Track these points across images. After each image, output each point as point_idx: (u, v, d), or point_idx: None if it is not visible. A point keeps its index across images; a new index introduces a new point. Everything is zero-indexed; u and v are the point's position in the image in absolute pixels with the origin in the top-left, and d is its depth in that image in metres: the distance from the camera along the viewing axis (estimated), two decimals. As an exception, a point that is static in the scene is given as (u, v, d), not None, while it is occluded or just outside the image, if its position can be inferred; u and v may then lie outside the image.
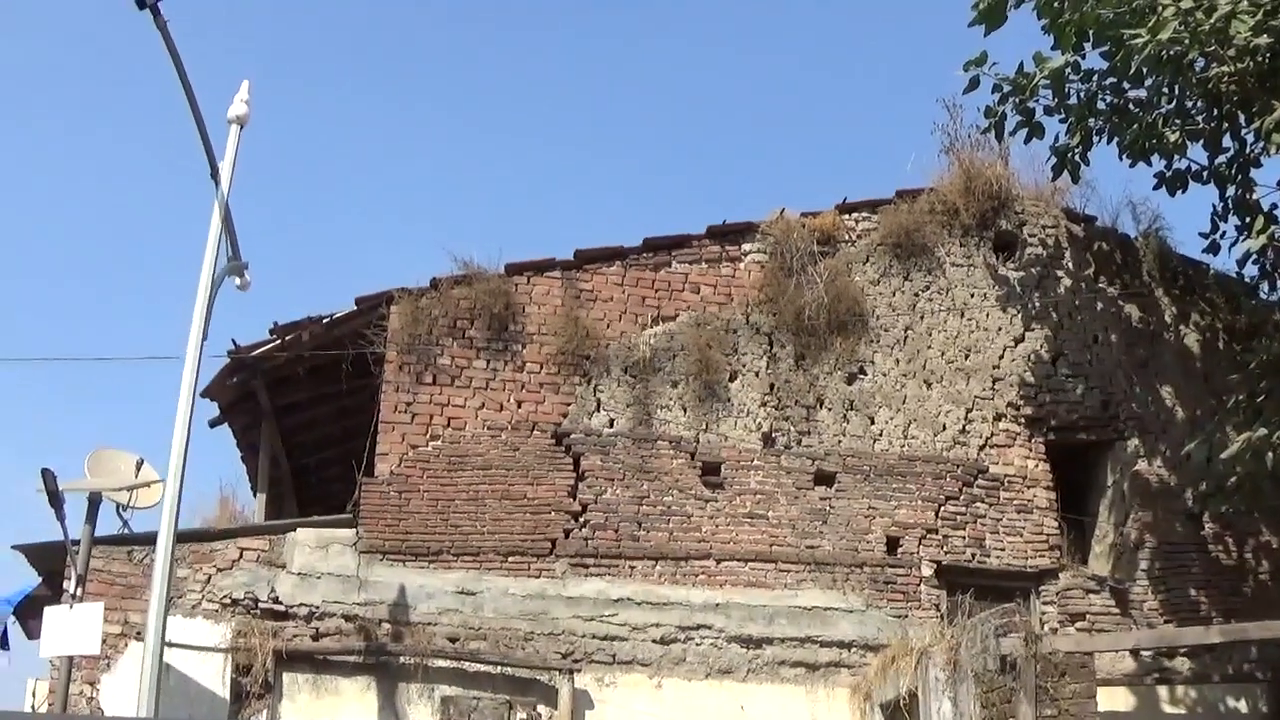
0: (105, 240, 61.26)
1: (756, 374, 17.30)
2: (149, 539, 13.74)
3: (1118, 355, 18.45)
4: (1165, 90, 16.46)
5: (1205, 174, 17.26)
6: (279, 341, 16.73)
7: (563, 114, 63.13)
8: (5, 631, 16.36)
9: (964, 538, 17.06)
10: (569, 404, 16.71)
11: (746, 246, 17.96)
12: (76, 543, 14.12)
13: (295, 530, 15.65)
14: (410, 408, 16.34)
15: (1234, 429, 16.26)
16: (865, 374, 17.64)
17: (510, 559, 15.85)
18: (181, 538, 13.57)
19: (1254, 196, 17.00)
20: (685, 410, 16.95)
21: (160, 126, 59.40)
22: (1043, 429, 17.88)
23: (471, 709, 14.91)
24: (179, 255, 59.13)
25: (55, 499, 13.89)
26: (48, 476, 13.81)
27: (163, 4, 11.85)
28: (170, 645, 12.86)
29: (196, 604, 14.93)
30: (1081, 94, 16.80)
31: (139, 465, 14.85)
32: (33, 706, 21.67)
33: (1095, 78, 16.58)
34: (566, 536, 16.11)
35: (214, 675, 14.55)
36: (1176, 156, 17.04)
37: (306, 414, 19.27)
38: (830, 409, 17.34)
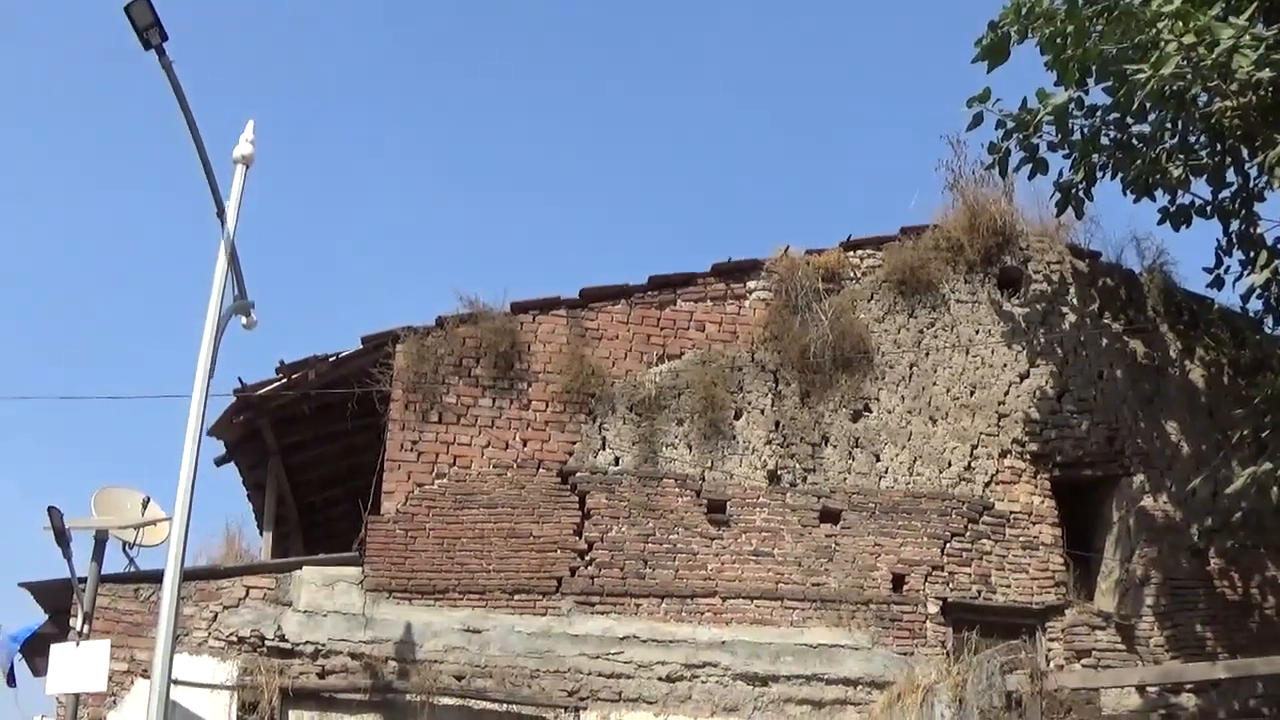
0: (113, 279, 61.61)
1: (762, 411, 17.44)
2: (155, 577, 13.74)
3: (1123, 391, 18.56)
4: (1168, 125, 16.59)
5: (1209, 209, 17.37)
6: (285, 380, 16.86)
7: (568, 152, 63.59)
8: (12, 669, 16.49)
9: (970, 574, 17.15)
10: (574, 442, 16.82)
11: (751, 284, 18.12)
12: (83, 580, 14.30)
13: (301, 568, 15.74)
14: (416, 446, 16.45)
15: (1239, 464, 16.40)
16: (870, 411, 17.77)
17: (516, 597, 15.92)
18: (188, 575, 13.57)
19: (1258, 231, 17.08)
20: (690, 448, 17.08)
21: (167, 166, 59.71)
22: (1048, 465, 17.97)
23: (478, 747, 15.02)
24: (186, 295, 59.27)
25: (62, 537, 14.04)
26: (54, 514, 13.97)
27: (168, 44, 12.12)
28: (176, 683, 13.01)
29: (202, 642, 14.99)
30: (1085, 129, 16.95)
31: (145, 503, 15.03)
32: (39, 745, 21.78)
33: (1098, 113, 16.75)
34: (572, 574, 16.19)
35: (220, 713, 14.61)
36: (1180, 191, 17.12)
37: (312, 452, 19.40)
38: (835, 446, 17.47)
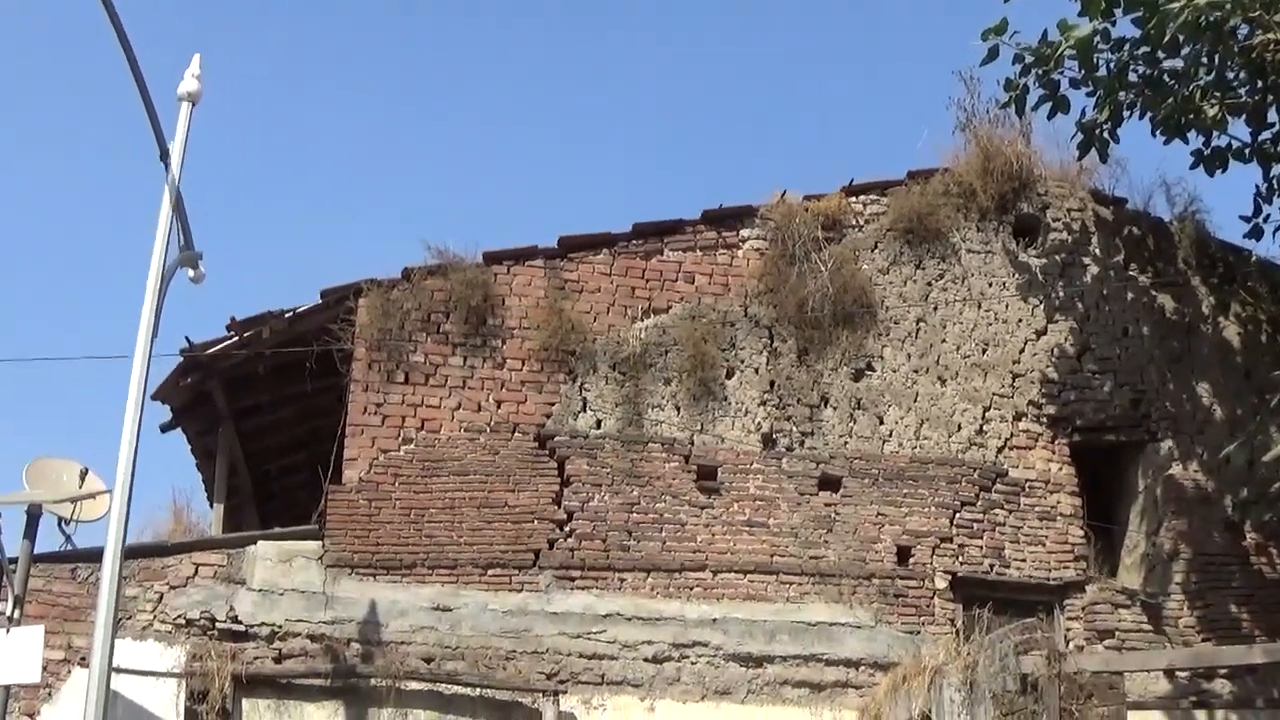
0: (44, 230, 60.82)
1: (756, 370, 17.32)
2: (94, 555, 13.61)
3: (1150, 349, 18.46)
4: (1204, 60, 16.39)
5: (1247, 151, 17.24)
6: (237, 339, 16.70)
7: (546, 90, 62.91)
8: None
9: (981, 547, 17.06)
10: (553, 404, 16.73)
11: (745, 232, 17.99)
12: (14, 561, 14.06)
13: (256, 543, 15.65)
14: (380, 409, 16.35)
15: (1278, 430, 16.30)
16: (873, 370, 17.65)
17: (490, 572, 15.86)
18: (130, 553, 13.59)
19: (1302, 176, 17.00)
20: (679, 410, 16.98)
21: (104, 102, 58.96)
22: (1067, 429, 17.86)
23: (448, 735, 14.94)
24: (127, 246, 58.95)
25: (-10, 513, 13.88)
26: (-19, 488, 13.81)
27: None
28: (118, 671, 12.83)
29: (147, 625, 14.89)
30: (1111, 65, 16.75)
31: (83, 475, 14.80)
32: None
33: (1126, 47, 16.50)
34: (551, 547, 16.11)
35: (166, 703, 14.51)
36: (1216, 132, 17.02)
37: (268, 417, 19.27)
38: (835, 408, 17.36)
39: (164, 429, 18.15)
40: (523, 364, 16.82)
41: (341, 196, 61.18)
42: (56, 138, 56.77)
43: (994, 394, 17.79)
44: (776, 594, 16.38)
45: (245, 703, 14.75)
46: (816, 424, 17.24)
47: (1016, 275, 18.44)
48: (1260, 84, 16.48)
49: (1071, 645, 16.51)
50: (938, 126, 24.56)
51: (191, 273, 13.61)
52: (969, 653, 14.24)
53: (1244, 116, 16.72)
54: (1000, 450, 17.57)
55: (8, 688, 13.51)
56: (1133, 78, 16.76)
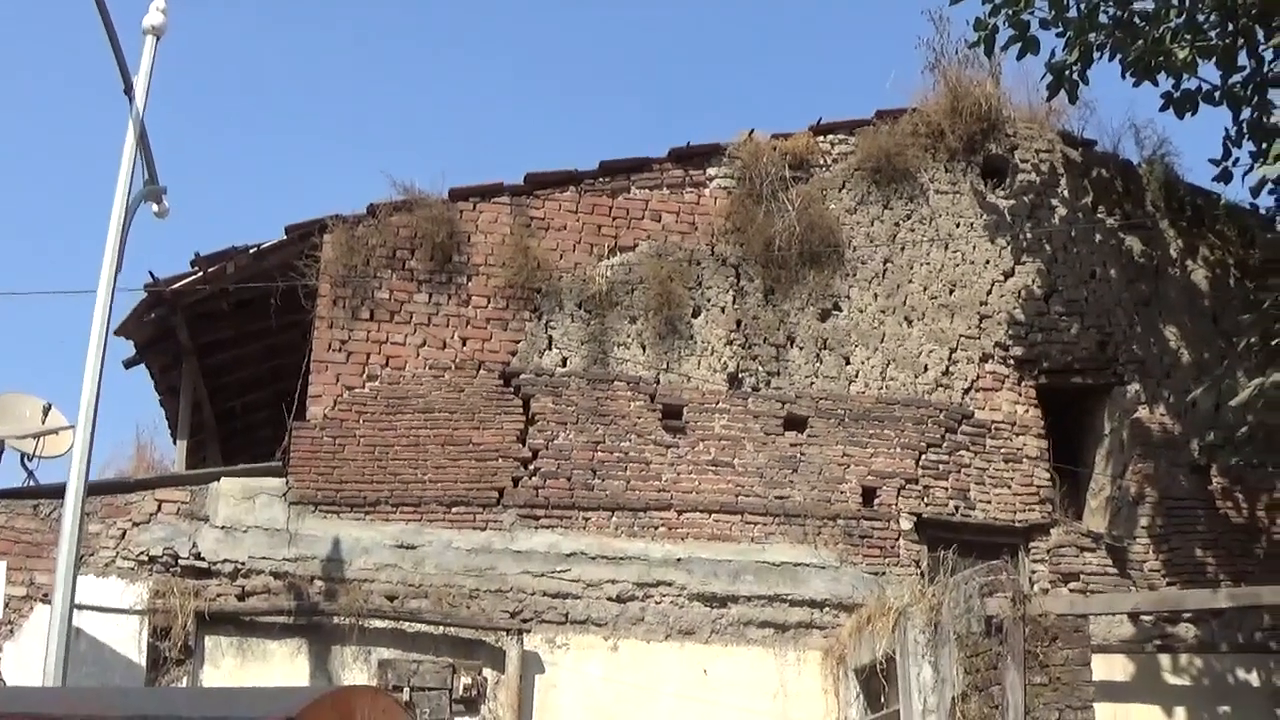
0: (6, 162, 60.51)
1: (722, 309, 17.38)
2: (57, 491, 13.58)
3: (1117, 292, 18.53)
4: (1174, 2, 16.32)
5: (1217, 94, 17.10)
6: (201, 274, 16.66)
7: (512, 25, 62.50)
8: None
9: (947, 489, 17.17)
10: (518, 341, 16.77)
11: (712, 171, 18.01)
12: (-24, 495, 14.16)
13: (219, 480, 15.68)
14: (345, 346, 16.39)
15: (1245, 374, 16.35)
16: (840, 310, 17.71)
17: (454, 510, 15.94)
18: (93, 490, 13.60)
19: (1271, 119, 16.84)
20: (644, 348, 17.04)
21: (68, 35, 58.52)
22: (1034, 371, 17.94)
23: (411, 673, 14.98)
24: (91, 180, 58.42)
25: (-48, 448, 13.93)
26: (-56, 424, 13.84)
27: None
28: (80, 608, 12.97)
29: (110, 562, 14.91)
30: (1081, 6, 16.69)
31: (46, 410, 14.91)
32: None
33: (1097, -12, 16.51)
34: (515, 485, 16.18)
35: (129, 640, 14.53)
36: (1186, 75, 16.82)
37: (231, 353, 19.25)
38: (802, 348, 17.42)
39: (127, 365, 18.12)
40: (488, 301, 16.84)
41: (307, 132, 60.92)
42: (19, 71, 56.27)
43: (961, 335, 17.86)
44: (741, 534, 16.47)
45: (208, 640, 14.81)
46: (782, 364, 17.30)
47: (984, 216, 18.49)
48: (1230, 27, 16.38)
49: (1036, 588, 16.61)
50: (906, 66, 24.63)
51: (156, 207, 13.66)
52: (933, 594, 14.37)
53: (1214, 59, 16.58)
54: (966, 392, 17.65)
55: (-30, 623, 13.62)
56: (1103, 19, 16.65)
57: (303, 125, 60.84)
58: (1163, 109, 17.28)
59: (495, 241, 17.10)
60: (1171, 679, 16.60)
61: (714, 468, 16.70)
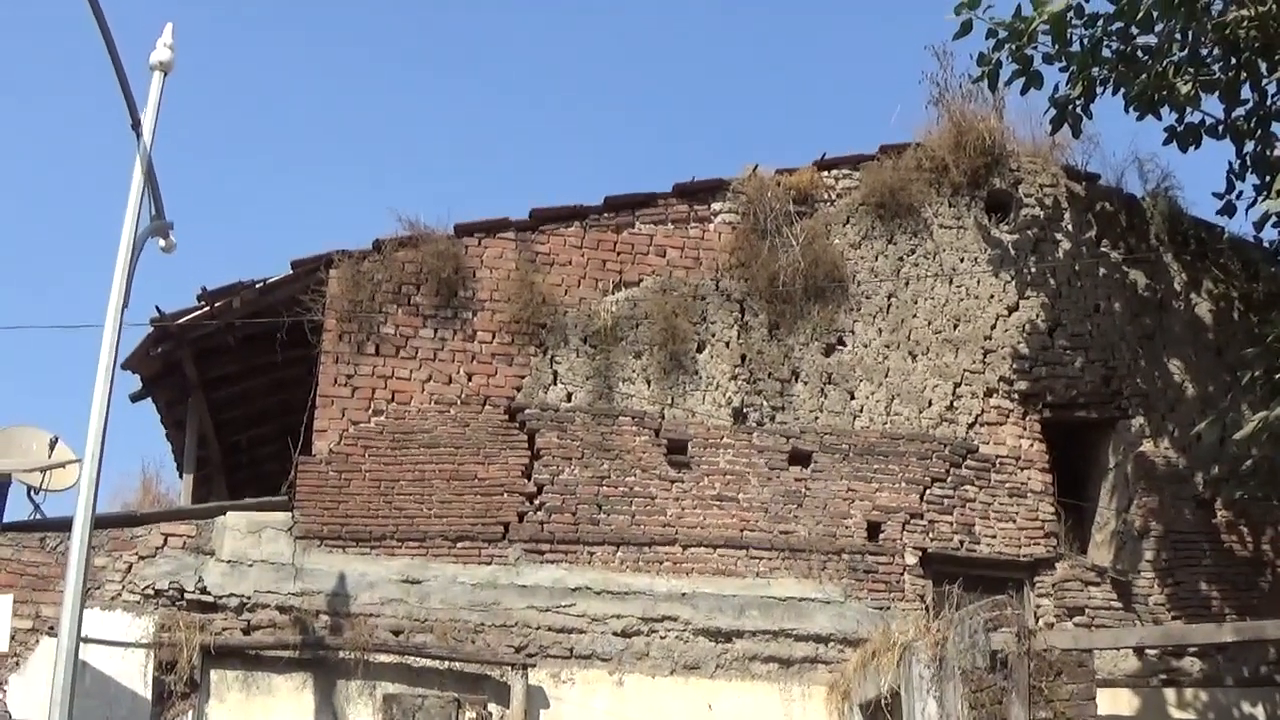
0: (16, 197, 60.58)
1: (727, 344, 17.43)
2: (64, 524, 13.67)
3: (1121, 326, 18.58)
4: (1177, 36, 16.36)
5: (1220, 128, 17.26)
6: (208, 309, 16.72)
7: (517, 62, 62.60)
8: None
9: (951, 523, 17.19)
10: (523, 376, 16.80)
11: (716, 206, 18.07)
12: (-17, 528, 14.23)
13: (225, 514, 15.67)
14: (351, 380, 16.41)
15: (1249, 407, 16.37)
16: (844, 345, 17.76)
17: (459, 545, 15.94)
18: (100, 523, 13.60)
19: (1274, 153, 16.94)
20: (649, 383, 17.08)
21: (77, 72, 58.70)
22: (1038, 406, 17.99)
23: (416, 708, 14.97)
24: (99, 215, 58.45)
25: (-41, 482, 13.98)
26: (-49, 457, 13.91)
27: (78, -60, 11.98)
28: (86, 641, 12.96)
29: (116, 595, 14.91)
30: (1084, 40, 16.73)
31: (53, 444, 14.94)
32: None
33: (1100, 22, 16.52)
34: (520, 520, 16.20)
35: (135, 673, 14.53)
36: (1189, 109, 17.00)
37: (238, 387, 19.26)
38: (806, 383, 17.47)
39: (134, 399, 18.16)
40: (493, 336, 16.88)
41: (313, 168, 61.01)
42: (28, 106, 56.53)
43: (965, 370, 17.91)
44: (746, 569, 16.49)
45: (213, 673, 14.81)
46: (787, 399, 17.35)
47: (988, 250, 18.54)
48: (1233, 60, 16.49)
49: (1041, 622, 16.64)
50: (910, 101, 24.66)
51: (162, 242, 13.76)
52: (938, 629, 14.34)
53: (1217, 93, 16.72)
54: (971, 426, 17.69)
55: (-24, 656, 13.66)
56: (1106, 53, 16.74)
57: (309, 160, 61.05)
58: (1166, 143, 17.45)
59: (500, 277, 17.15)
60: (1177, 714, 16.63)
61: (719, 502, 16.73)
